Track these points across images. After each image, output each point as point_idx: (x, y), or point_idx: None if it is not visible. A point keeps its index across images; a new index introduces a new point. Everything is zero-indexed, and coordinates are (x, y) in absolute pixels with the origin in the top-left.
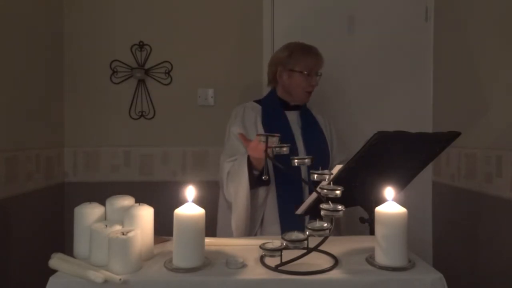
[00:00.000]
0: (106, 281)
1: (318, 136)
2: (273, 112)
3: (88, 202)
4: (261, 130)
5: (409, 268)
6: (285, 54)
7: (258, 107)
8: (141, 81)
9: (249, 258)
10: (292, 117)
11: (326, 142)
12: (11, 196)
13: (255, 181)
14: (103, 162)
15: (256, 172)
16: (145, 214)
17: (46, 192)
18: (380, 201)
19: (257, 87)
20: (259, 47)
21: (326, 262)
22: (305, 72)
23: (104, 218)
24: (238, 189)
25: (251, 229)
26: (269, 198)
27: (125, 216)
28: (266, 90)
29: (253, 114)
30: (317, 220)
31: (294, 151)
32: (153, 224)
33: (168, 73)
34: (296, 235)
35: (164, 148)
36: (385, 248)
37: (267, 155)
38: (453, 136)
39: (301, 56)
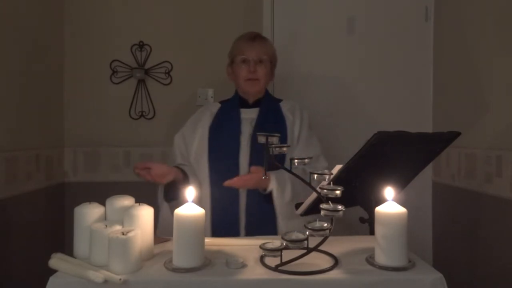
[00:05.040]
0: (106, 281)
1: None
2: (227, 112)
3: (88, 202)
4: (206, 134)
5: (409, 268)
6: (230, 48)
7: (217, 108)
8: (141, 81)
9: (249, 258)
10: (250, 115)
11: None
12: (11, 196)
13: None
14: (103, 162)
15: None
16: (145, 214)
17: (46, 192)
18: (380, 201)
19: None
20: None
21: (326, 262)
22: (241, 57)
23: (104, 218)
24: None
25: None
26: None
27: (125, 216)
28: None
29: (207, 117)
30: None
31: (233, 150)
32: (153, 224)
33: (168, 73)
34: (296, 235)
35: (164, 148)
36: (385, 248)
37: (269, 156)
38: (453, 136)
39: (237, 43)
